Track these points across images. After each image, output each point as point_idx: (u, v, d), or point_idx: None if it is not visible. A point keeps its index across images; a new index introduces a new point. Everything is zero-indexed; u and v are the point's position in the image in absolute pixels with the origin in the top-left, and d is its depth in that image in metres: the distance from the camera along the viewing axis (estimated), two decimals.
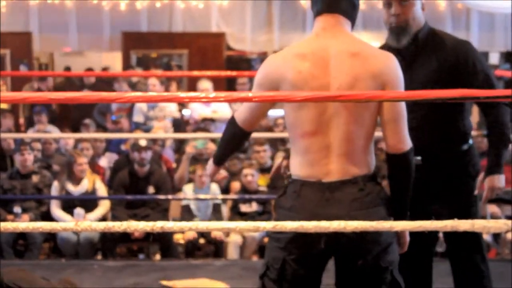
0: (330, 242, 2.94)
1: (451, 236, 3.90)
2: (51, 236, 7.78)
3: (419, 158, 3.55)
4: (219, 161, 3.37)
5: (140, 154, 7.84)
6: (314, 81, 2.94)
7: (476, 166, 3.91)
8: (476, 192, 3.87)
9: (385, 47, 3.74)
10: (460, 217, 2.85)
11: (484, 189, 3.87)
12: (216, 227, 2.74)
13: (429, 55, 3.73)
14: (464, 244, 3.88)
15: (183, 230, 2.64)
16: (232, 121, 3.22)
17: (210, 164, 3.40)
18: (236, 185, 8.10)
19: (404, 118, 3.02)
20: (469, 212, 3.80)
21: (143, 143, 7.85)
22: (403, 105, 3.01)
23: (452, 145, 3.84)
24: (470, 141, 3.90)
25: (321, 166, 2.99)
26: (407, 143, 3.03)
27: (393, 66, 3.01)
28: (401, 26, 3.70)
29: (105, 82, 12.05)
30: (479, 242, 3.91)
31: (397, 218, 3.01)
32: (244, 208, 7.84)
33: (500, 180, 3.81)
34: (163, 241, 7.56)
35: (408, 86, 3.35)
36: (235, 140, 3.29)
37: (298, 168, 3.04)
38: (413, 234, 3.13)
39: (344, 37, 3.03)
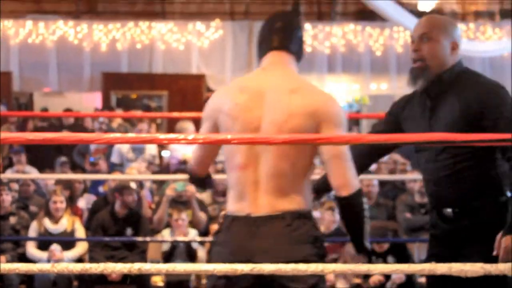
0: (255, 281, 2.91)
1: None
2: (27, 278, 7.70)
3: (449, 210, 3.47)
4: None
5: (127, 195, 7.81)
6: (248, 113, 2.99)
7: None
8: (495, 252, 3.28)
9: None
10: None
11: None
12: (193, 269, 2.73)
13: (453, 98, 3.45)
14: None
15: (161, 273, 2.62)
16: (188, 170, 3.30)
17: None
18: (215, 227, 8.06)
19: (347, 158, 2.99)
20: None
21: (132, 185, 7.86)
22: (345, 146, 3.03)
23: (483, 197, 3.46)
24: (509, 193, 3.46)
25: (250, 201, 2.99)
26: (352, 185, 2.99)
27: (331, 104, 3.04)
28: (420, 67, 3.50)
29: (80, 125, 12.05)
30: None
31: (358, 252, 3.01)
32: None
33: None
34: (141, 283, 7.50)
35: (429, 130, 3.35)
36: (197, 185, 3.37)
37: (231, 202, 3.07)
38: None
39: (287, 73, 3.09)
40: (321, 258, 2.99)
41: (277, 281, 2.91)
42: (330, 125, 3.00)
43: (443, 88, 3.49)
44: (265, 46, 3.17)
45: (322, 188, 3.82)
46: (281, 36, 3.14)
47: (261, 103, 3.00)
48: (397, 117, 3.68)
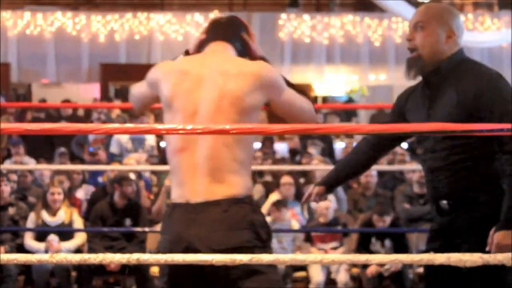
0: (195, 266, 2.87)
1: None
2: (26, 268, 7.70)
3: (445, 202, 3.43)
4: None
5: (126, 186, 7.80)
6: (187, 95, 3.01)
7: None
8: (487, 248, 3.21)
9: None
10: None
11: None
12: (191, 260, 2.72)
13: (451, 88, 3.37)
14: None
15: (159, 263, 2.62)
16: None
17: None
18: None
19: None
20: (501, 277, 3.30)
21: (129, 175, 7.84)
22: (297, 103, 3.15)
23: (479, 189, 3.38)
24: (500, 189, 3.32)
25: (189, 187, 2.98)
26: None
27: (267, 70, 3.08)
28: (414, 57, 3.43)
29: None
30: None
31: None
32: None
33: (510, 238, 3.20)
34: (140, 274, 7.51)
35: (427, 121, 3.32)
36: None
37: (173, 189, 3.06)
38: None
39: (225, 58, 3.14)
40: (262, 243, 2.96)
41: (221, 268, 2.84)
42: (274, 90, 3.07)
43: (441, 78, 3.42)
44: (209, 37, 3.25)
45: (333, 182, 3.82)
46: (224, 30, 3.25)
47: (199, 86, 3.01)
48: (401, 108, 3.66)
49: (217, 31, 3.25)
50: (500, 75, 3.37)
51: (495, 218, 3.26)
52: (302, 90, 3.24)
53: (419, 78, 3.51)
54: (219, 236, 2.88)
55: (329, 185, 3.80)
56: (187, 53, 3.33)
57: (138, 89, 3.33)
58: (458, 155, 3.38)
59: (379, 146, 3.75)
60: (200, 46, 3.28)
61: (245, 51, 3.26)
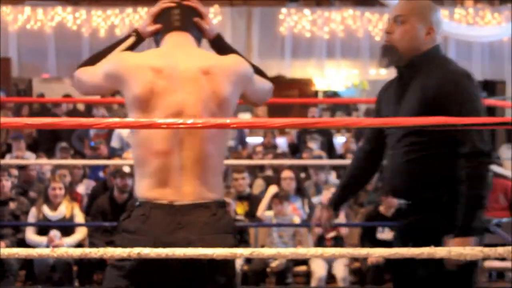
0: (177, 269, 2.83)
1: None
2: (27, 263, 7.71)
3: (402, 202, 3.43)
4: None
5: (122, 180, 7.80)
6: (168, 95, 2.89)
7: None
8: None
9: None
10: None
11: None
12: (192, 253, 2.73)
13: (417, 84, 3.34)
14: None
15: (160, 257, 2.62)
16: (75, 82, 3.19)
17: None
18: None
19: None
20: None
21: (126, 169, 7.82)
22: (265, 87, 3.19)
23: (435, 191, 3.33)
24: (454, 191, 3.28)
25: (173, 188, 2.87)
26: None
27: (240, 64, 3.04)
28: (387, 46, 3.41)
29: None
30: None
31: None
32: None
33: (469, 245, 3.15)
34: None
35: (395, 115, 3.31)
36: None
37: (147, 190, 2.91)
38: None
39: (197, 53, 3.04)
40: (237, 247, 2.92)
41: (202, 272, 2.85)
42: (249, 82, 3.05)
43: (412, 73, 3.39)
44: (167, 27, 3.13)
45: (340, 201, 3.78)
46: (179, 19, 3.12)
47: (181, 86, 2.91)
48: (379, 101, 3.65)
49: (172, 20, 3.12)
50: (467, 75, 3.32)
51: (451, 220, 3.23)
52: (261, 70, 3.21)
53: (391, 68, 3.48)
54: (210, 239, 2.81)
55: (337, 205, 3.75)
56: (139, 39, 3.21)
57: (90, 78, 3.11)
58: (415, 153, 3.34)
59: (375, 150, 3.67)
60: (155, 36, 3.18)
61: (201, 37, 3.19)
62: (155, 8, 3.18)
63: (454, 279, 3.27)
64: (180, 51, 3.03)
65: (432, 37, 3.41)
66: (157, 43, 3.18)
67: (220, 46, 3.22)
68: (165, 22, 3.14)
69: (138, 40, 3.22)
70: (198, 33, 3.17)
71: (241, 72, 3.02)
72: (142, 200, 2.91)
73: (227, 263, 2.90)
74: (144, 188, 2.92)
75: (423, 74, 3.35)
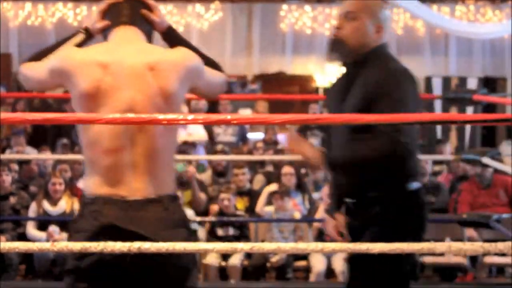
0: (131, 265, 2.81)
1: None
2: (27, 257, 7.72)
3: (349, 200, 3.41)
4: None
5: None
6: (115, 92, 2.86)
7: (409, 222, 3.33)
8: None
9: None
10: None
11: None
12: (193, 249, 2.73)
13: (359, 81, 3.35)
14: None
15: (160, 251, 2.62)
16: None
17: None
18: (214, 208, 8.08)
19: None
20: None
21: None
22: (215, 79, 3.18)
23: (380, 188, 3.33)
24: (414, 185, 3.34)
25: (125, 185, 2.85)
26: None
27: (191, 58, 3.02)
28: (336, 41, 3.42)
29: None
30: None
31: None
32: (221, 232, 7.81)
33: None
34: None
35: (339, 111, 3.30)
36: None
37: (98, 187, 2.88)
38: None
39: (144, 48, 3.01)
40: (192, 239, 2.92)
41: (157, 263, 2.84)
42: (199, 76, 3.03)
43: (358, 70, 3.39)
44: (115, 21, 3.08)
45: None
46: (127, 13, 3.08)
47: (129, 82, 2.87)
48: (328, 97, 3.65)
49: (120, 15, 3.08)
50: (405, 72, 3.34)
51: (398, 218, 3.27)
52: (214, 62, 3.21)
53: (338, 63, 3.51)
54: (164, 235, 2.79)
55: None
56: (88, 35, 3.16)
57: (35, 74, 3.08)
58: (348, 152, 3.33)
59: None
60: (104, 32, 3.13)
61: (152, 30, 3.15)
62: (103, 5, 3.14)
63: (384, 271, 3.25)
64: (127, 47, 2.98)
65: (380, 35, 3.42)
66: (106, 39, 3.13)
67: (172, 38, 3.19)
68: (113, 18, 3.10)
69: (87, 37, 3.17)
70: (148, 26, 3.12)
71: (189, 66, 2.98)
72: (94, 197, 2.88)
73: (183, 258, 2.87)
74: (95, 185, 2.89)
75: (365, 71, 3.35)
